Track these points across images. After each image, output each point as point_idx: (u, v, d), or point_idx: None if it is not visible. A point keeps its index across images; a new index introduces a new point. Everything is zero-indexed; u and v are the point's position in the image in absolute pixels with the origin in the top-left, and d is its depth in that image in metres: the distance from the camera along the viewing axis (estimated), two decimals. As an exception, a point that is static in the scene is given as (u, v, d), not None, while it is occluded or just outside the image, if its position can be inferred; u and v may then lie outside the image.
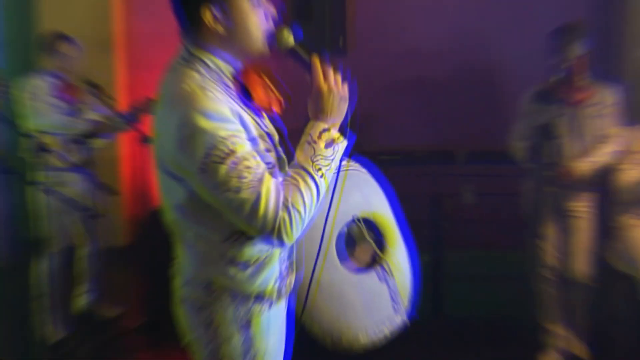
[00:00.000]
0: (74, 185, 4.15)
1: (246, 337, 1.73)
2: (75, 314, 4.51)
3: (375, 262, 2.14)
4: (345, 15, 4.86)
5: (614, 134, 3.64)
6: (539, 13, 4.56)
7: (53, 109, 4.14)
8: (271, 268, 1.74)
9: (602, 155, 3.60)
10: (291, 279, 1.84)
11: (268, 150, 1.66)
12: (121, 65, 5.82)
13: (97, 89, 4.19)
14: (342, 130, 1.67)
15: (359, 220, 2.13)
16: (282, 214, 1.52)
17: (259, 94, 1.72)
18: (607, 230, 3.82)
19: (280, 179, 1.58)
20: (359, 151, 4.82)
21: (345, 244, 2.12)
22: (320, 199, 1.62)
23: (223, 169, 1.49)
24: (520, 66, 4.52)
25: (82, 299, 4.59)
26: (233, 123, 1.54)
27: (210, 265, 1.70)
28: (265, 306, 1.75)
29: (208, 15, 1.62)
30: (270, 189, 1.52)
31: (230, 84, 1.67)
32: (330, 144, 1.63)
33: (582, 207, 3.74)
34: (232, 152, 1.49)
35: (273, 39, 1.69)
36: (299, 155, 1.62)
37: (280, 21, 1.73)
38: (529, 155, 3.72)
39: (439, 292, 4.38)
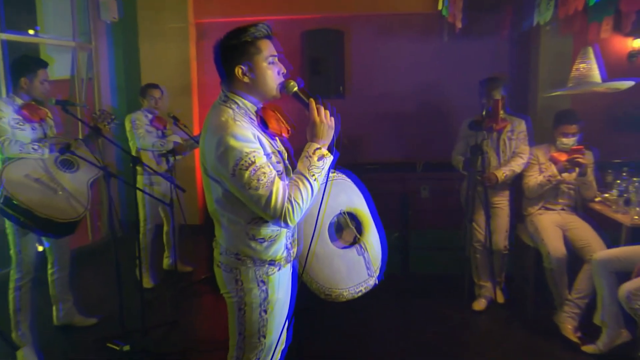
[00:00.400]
0: (160, 185, 4.15)
1: (263, 289, 1.75)
2: (163, 269, 4.56)
3: (355, 241, 2.11)
4: (344, 71, 4.82)
5: (523, 151, 3.59)
6: (475, 67, 4.50)
7: (148, 134, 4.13)
8: (280, 242, 1.75)
9: (515, 166, 3.55)
10: (294, 250, 1.84)
11: (278, 162, 1.69)
12: (196, 104, 5.81)
13: (177, 120, 4.16)
14: (330, 149, 1.69)
15: (344, 213, 2.09)
16: (287, 205, 1.56)
17: (273, 124, 1.74)
18: (519, 216, 3.76)
19: (286, 181, 1.63)
20: (353, 162, 4.85)
21: (335, 229, 2.10)
22: (314, 195, 1.64)
23: (247, 174, 1.54)
24: (461, 104, 4.48)
25: (167, 260, 4.60)
26: (254, 143, 1.59)
27: (238, 240, 1.72)
28: (276, 268, 1.76)
29: (239, 71, 1.66)
30: (279, 188, 1.57)
31: (253, 117, 1.71)
32: (320, 158, 1.64)
33: (502, 200, 3.70)
34: (253, 162, 1.56)
35: (283, 87, 1.71)
36: (300, 165, 1.65)
37: (288, 75, 1.75)
38: (465, 165, 3.66)
39: (406, 257, 4.33)
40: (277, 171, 1.64)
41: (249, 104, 1.71)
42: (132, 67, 5.73)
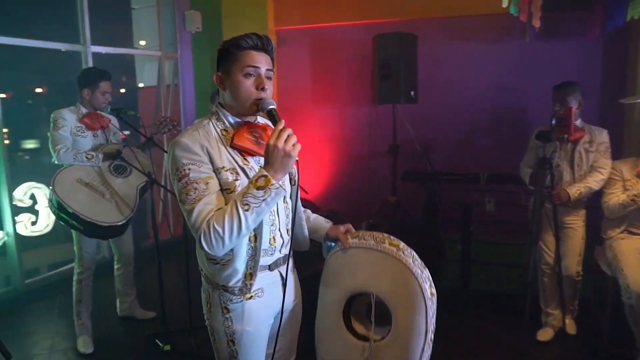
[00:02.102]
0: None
1: (227, 317, 1.59)
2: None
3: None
4: (416, 76, 4.49)
5: (603, 165, 3.05)
6: (556, 72, 3.95)
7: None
8: (230, 269, 1.54)
9: (593, 182, 3.04)
10: (251, 283, 1.57)
11: (235, 180, 1.49)
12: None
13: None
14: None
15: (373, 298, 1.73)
16: (204, 227, 1.39)
17: (245, 141, 1.54)
18: (597, 238, 3.21)
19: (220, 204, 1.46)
20: (417, 170, 4.51)
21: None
22: (243, 228, 1.40)
23: (179, 185, 1.45)
24: (538, 111, 3.98)
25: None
26: (196, 155, 1.46)
27: (200, 258, 1.62)
28: (238, 298, 1.57)
29: (216, 78, 1.57)
30: (203, 208, 1.42)
31: (229, 131, 1.54)
32: (261, 188, 1.39)
33: (575, 220, 3.18)
34: (186, 174, 1.44)
35: (259, 103, 1.51)
36: (240, 191, 1.44)
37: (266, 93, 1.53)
38: (531, 179, 3.20)
39: (466, 271, 3.93)
40: (225, 189, 1.48)
41: (230, 118, 1.57)
42: (208, 73, 5.87)
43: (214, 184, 1.46)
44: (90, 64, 4.40)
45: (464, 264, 3.92)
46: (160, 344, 3.09)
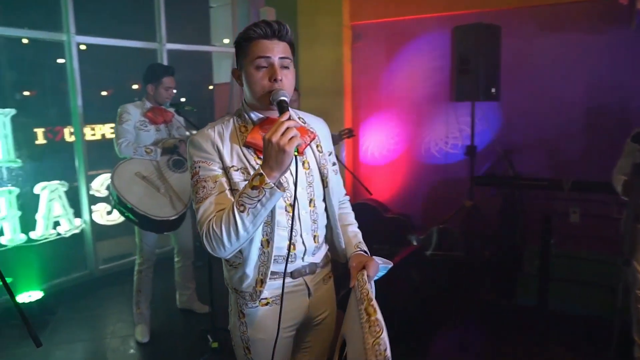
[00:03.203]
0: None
1: (242, 322, 1.52)
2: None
3: None
4: (497, 71, 4.11)
5: None
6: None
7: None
8: (241, 271, 1.46)
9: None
10: (261, 290, 1.45)
11: (244, 179, 1.40)
12: (349, 105, 5.65)
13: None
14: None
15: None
16: (205, 227, 1.33)
17: (259, 139, 1.41)
18: None
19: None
20: (501, 176, 4.12)
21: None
22: (241, 230, 1.29)
23: (191, 182, 1.42)
24: (638, 112, 3.44)
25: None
26: (206, 153, 1.40)
27: (222, 261, 1.55)
28: (251, 303, 1.48)
29: (235, 74, 1.49)
30: (208, 207, 1.35)
31: (248, 127, 1.46)
32: (256, 187, 1.26)
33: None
34: (197, 172, 1.40)
35: (271, 95, 1.38)
36: (240, 190, 1.33)
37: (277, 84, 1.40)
38: (626, 189, 2.75)
39: (544, 290, 3.50)
40: (234, 189, 1.38)
41: (252, 114, 1.48)
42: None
43: (222, 183, 1.38)
44: (165, 62, 4.53)
45: (542, 280, 3.49)
46: (210, 340, 3.06)
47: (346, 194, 1.80)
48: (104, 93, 5.32)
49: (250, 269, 1.44)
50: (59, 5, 3.95)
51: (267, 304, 1.48)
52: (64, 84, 4.13)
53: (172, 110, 3.27)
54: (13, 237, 3.70)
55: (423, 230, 4.59)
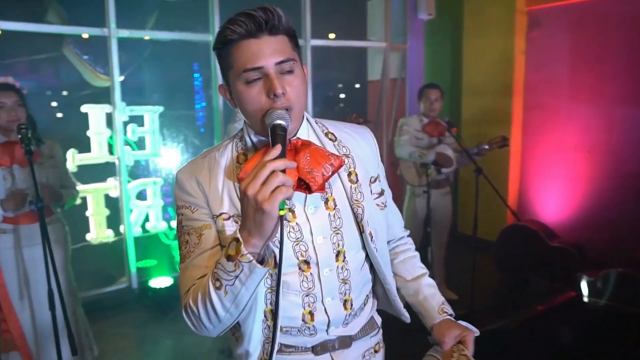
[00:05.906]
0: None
1: None
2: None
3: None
4: None
5: None
6: None
7: (418, 141, 3.56)
8: (241, 348, 1.07)
9: None
10: (272, 347, 1.00)
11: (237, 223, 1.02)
12: (519, 106, 4.75)
13: (451, 127, 3.40)
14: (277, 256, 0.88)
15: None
16: (184, 299, 1.00)
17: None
18: None
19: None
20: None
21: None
22: (218, 310, 0.94)
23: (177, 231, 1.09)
24: None
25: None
26: (189, 196, 1.04)
27: None
28: None
29: (222, 90, 1.06)
30: (189, 272, 1.01)
31: (248, 155, 1.07)
32: (231, 258, 0.88)
33: None
34: (179, 221, 1.06)
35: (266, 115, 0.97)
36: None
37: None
38: None
39: None
40: (223, 245, 1.01)
41: (253, 136, 1.08)
42: (447, 65, 5.17)
43: (210, 237, 1.02)
44: (309, 57, 4.35)
45: None
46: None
47: (405, 229, 1.32)
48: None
49: (254, 346, 1.06)
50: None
51: None
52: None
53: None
54: (156, 224, 3.97)
55: (597, 270, 3.53)
